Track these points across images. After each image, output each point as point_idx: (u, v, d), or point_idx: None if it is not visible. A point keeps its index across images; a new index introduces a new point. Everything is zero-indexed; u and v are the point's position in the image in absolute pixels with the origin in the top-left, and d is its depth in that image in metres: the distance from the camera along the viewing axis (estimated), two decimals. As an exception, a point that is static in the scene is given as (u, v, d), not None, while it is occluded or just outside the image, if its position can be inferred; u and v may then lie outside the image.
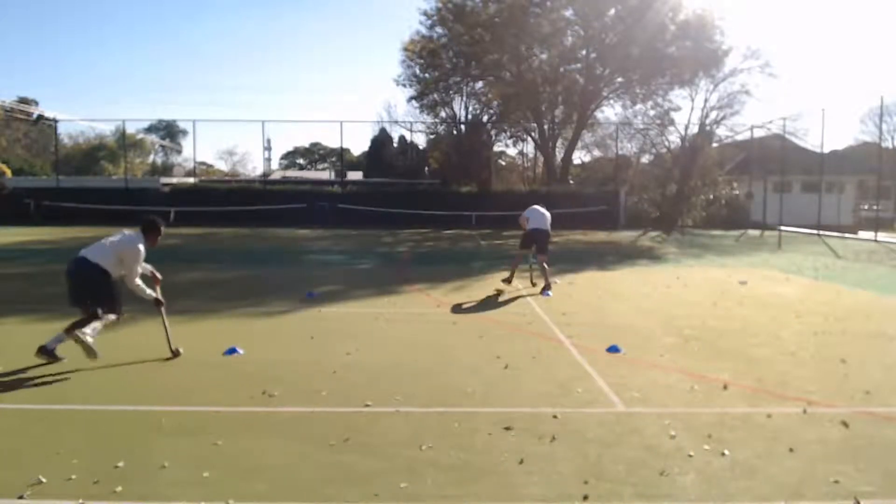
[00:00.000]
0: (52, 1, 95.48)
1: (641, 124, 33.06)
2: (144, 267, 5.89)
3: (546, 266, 10.23)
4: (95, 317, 5.54)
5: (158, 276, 6.09)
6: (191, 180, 34.40)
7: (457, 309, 8.53)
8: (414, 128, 40.66)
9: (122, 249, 5.62)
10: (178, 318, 6.87)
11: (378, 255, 16.73)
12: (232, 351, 5.95)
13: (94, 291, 5.52)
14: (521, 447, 3.79)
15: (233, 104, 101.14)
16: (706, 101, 30.78)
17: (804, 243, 20.79)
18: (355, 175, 45.45)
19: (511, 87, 33.61)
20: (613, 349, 6.20)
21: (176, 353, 5.83)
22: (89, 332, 5.48)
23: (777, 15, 69.80)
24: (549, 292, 9.80)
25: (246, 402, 4.58)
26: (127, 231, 5.88)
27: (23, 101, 48.32)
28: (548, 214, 10.67)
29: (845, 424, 4.20)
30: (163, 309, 5.94)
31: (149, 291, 5.83)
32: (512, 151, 47.97)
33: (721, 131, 31.05)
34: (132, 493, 3.16)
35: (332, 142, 70.31)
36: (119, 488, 3.19)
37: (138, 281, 5.71)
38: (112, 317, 5.77)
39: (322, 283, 10.81)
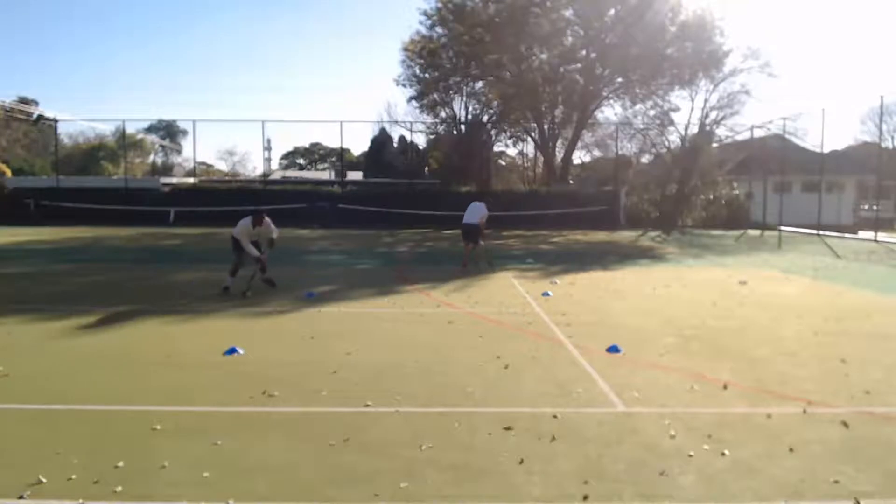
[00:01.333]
0: (53, 1, 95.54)
1: (641, 124, 33.11)
2: (273, 232, 9.82)
3: (478, 249, 13.06)
4: (239, 266, 9.70)
5: (276, 239, 10.00)
6: (191, 180, 34.37)
7: (457, 309, 8.53)
8: (414, 128, 40.57)
9: (240, 227, 9.61)
10: (177, 317, 6.88)
11: (378, 255, 16.72)
12: (232, 351, 5.95)
13: (234, 249, 9.71)
14: (521, 447, 3.79)
15: (233, 104, 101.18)
16: (706, 101, 30.87)
17: (804, 243, 20.78)
18: (355, 175, 45.43)
19: (511, 87, 33.63)
20: (613, 349, 6.20)
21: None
22: (230, 280, 9.57)
23: (777, 15, 69.83)
24: (486, 265, 12.89)
25: (246, 402, 4.58)
26: (247, 217, 9.62)
27: (23, 101, 48.21)
28: (477, 208, 12.97)
29: (845, 424, 4.21)
30: (262, 259, 9.74)
31: (255, 253, 9.57)
32: (512, 151, 48.06)
33: (721, 131, 31.10)
34: (132, 493, 3.16)
35: (332, 142, 70.40)
36: (119, 488, 3.19)
37: (249, 245, 9.53)
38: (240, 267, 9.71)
39: (322, 283, 10.81)
